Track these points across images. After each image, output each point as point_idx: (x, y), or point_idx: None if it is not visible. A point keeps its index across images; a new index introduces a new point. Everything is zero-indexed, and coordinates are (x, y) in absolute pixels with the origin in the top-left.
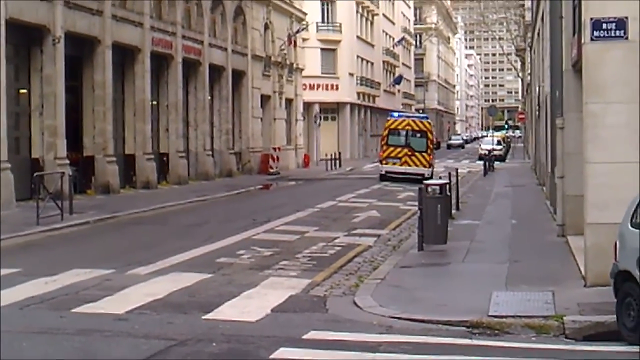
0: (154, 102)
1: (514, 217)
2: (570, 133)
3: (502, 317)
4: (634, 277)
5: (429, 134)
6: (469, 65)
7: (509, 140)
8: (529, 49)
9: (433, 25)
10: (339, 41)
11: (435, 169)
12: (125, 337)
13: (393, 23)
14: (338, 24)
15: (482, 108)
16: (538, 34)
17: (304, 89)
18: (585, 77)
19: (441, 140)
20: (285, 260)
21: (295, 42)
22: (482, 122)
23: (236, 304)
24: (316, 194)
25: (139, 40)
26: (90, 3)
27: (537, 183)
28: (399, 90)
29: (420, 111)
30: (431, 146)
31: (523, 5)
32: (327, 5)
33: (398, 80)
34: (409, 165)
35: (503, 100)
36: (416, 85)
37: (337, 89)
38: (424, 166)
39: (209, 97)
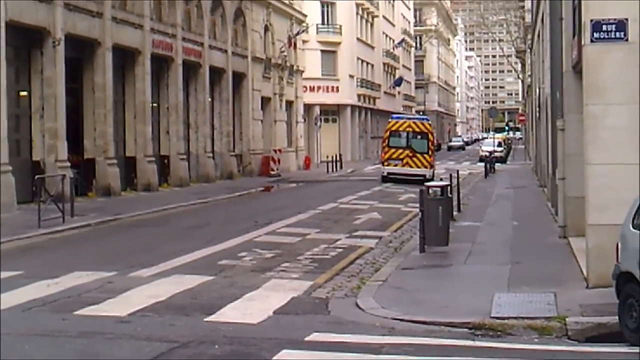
0: (155, 104)
1: (515, 219)
2: (571, 134)
3: (504, 318)
4: (636, 278)
5: (430, 136)
6: (469, 67)
7: (509, 142)
8: (529, 50)
9: (433, 27)
10: (339, 43)
11: (436, 171)
12: (128, 339)
13: (393, 25)
14: (338, 26)
15: (482, 110)
16: (538, 35)
17: (305, 91)
18: (585, 79)
19: (442, 142)
20: (287, 262)
21: (295, 44)
22: (482, 123)
23: (238, 306)
24: (317, 196)
25: (139, 42)
26: (90, 5)
27: (538, 184)
28: (399, 92)
29: (421, 113)
30: (432, 147)
31: (523, 6)
32: (327, 7)
33: (398, 82)
34: (411, 167)
35: (503, 102)
36: (416, 87)
37: (337, 91)
38: (425, 167)
39: (210, 99)
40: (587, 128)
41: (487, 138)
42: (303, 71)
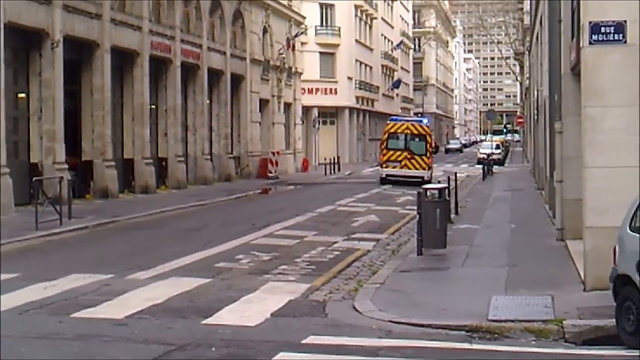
0: (153, 106)
1: (513, 221)
2: (569, 137)
3: (501, 321)
4: (633, 281)
5: (428, 137)
6: (467, 69)
7: (507, 144)
8: (527, 52)
9: (432, 29)
10: (338, 45)
11: (434, 173)
12: (125, 342)
13: (392, 27)
14: (337, 28)
15: (480, 112)
16: (537, 37)
17: (303, 93)
18: (583, 81)
19: (440, 145)
20: (285, 264)
21: (294, 46)
22: (480, 126)
23: (235, 309)
24: (315, 198)
25: (137, 44)
26: (89, 7)
27: (536, 187)
28: (397, 94)
29: (420, 115)
30: (430, 149)
31: (522, 8)
32: (326, 9)
33: (397, 84)
34: (409, 168)
35: (502, 104)
36: (415, 89)
37: (335, 93)
38: (424, 169)
39: (208, 101)
40: (586, 130)
41: (485, 140)
42: (301, 73)
